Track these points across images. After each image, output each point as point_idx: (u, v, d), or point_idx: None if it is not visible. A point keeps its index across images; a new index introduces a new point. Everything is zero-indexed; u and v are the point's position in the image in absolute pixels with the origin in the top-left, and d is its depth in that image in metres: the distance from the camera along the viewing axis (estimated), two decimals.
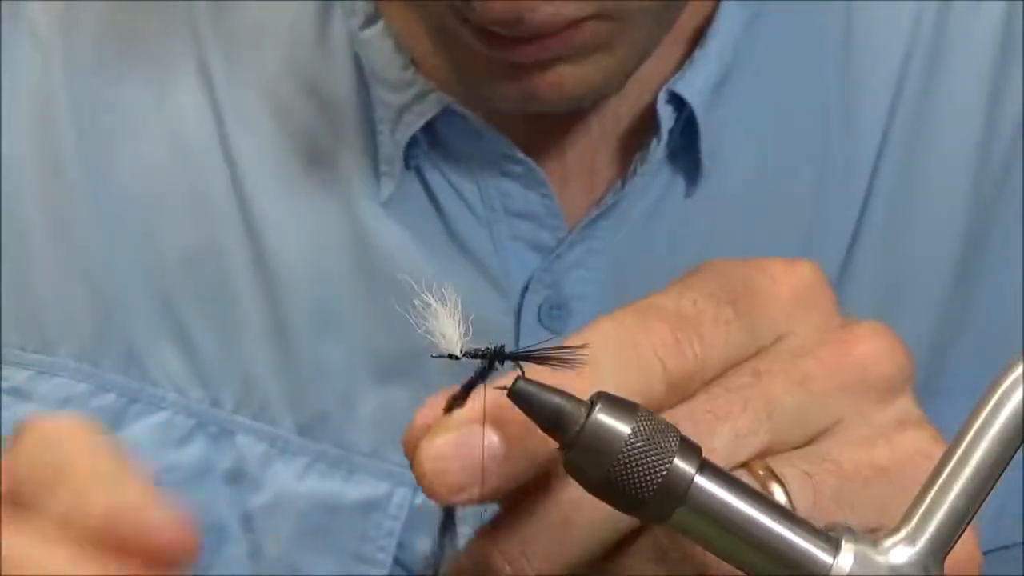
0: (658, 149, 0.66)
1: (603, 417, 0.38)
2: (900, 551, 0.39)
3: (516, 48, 0.57)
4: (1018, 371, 0.37)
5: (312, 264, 0.68)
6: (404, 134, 0.66)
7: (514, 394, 0.38)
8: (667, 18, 0.62)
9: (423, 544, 0.68)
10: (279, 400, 0.68)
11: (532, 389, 0.38)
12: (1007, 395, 0.37)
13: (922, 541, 0.38)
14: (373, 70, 0.67)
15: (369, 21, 0.67)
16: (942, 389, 0.66)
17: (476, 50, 0.59)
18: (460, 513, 0.43)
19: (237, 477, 0.68)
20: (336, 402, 0.68)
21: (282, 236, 0.68)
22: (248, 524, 0.68)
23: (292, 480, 0.67)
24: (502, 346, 0.38)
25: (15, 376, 0.68)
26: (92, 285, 0.68)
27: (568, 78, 0.60)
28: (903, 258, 0.70)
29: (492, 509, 0.41)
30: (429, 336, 0.37)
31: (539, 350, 0.39)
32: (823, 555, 0.38)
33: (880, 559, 0.39)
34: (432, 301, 0.36)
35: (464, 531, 0.42)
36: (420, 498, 0.66)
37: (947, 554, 0.39)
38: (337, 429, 0.68)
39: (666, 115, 0.66)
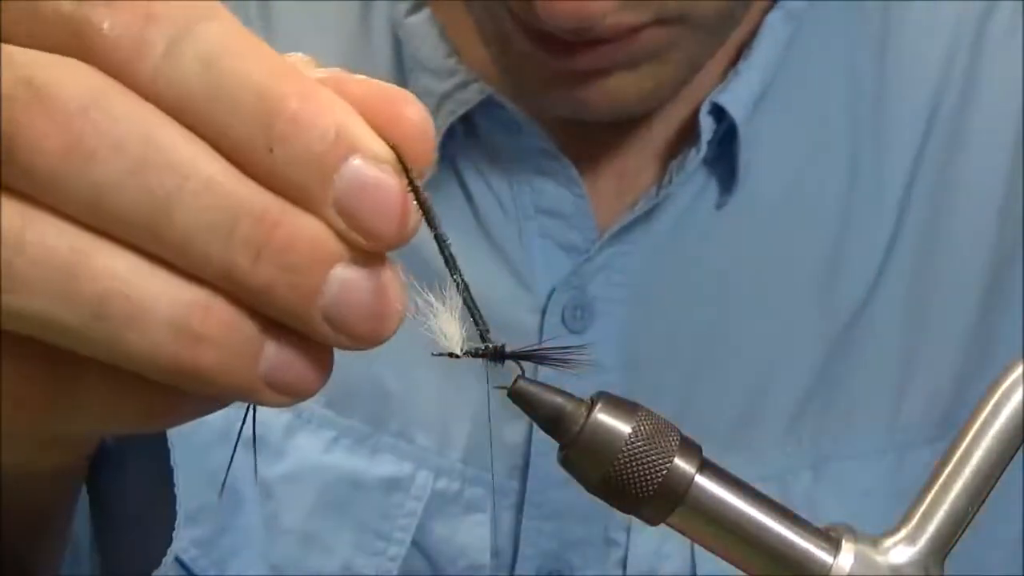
0: (696, 159, 0.66)
1: (603, 417, 0.38)
2: (900, 551, 0.39)
3: (574, 55, 0.57)
4: (1018, 371, 0.37)
5: None
6: (444, 121, 0.65)
7: (514, 394, 0.38)
8: (722, 29, 0.62)
9: (441, 528, 0.68)
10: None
11: (532, 389, 0.38)
12: (1007, 395, 0.37)
13: (922, 541, 0.39)
14: (416, 57, 0.66)
15: (414, 8, 0.66)
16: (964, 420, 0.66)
17: (530, 56, 0.59)
18: None
19: (258, 445, 0.68)
20: (365, 379, 0.68)
21: None
22: (266, 492, 0.68)
23: (317, 453, 0.67)
24: (503, 345, 0.38)
25: None
26: None
27: (621, 87, 0.60)
28: (932, 283, 0.70)
29: None
30: (430, 334, 0.37)
31: (540, 350, 0.39)
32: (823, 555, 0.38)
33: (880, 559, 0.39)
34: (433, 299, 0.36)
35: None
36: (441, 482, 0.66)
37: (947, 554, 0.39)
38: (365, 406, 0.68)
39: (707, 126, 0.66)
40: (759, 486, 0.68)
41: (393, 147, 0.31)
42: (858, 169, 0.70)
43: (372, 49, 0.69)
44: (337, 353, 0.69)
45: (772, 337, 0.70)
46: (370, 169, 0.30)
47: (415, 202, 0.32)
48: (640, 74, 0.59)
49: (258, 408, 0.68)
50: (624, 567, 0.69)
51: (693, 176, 0.67)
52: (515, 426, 0.67)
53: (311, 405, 0.67)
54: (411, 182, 0.31)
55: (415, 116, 0.31)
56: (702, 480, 0.38)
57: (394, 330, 0.32)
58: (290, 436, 0.68)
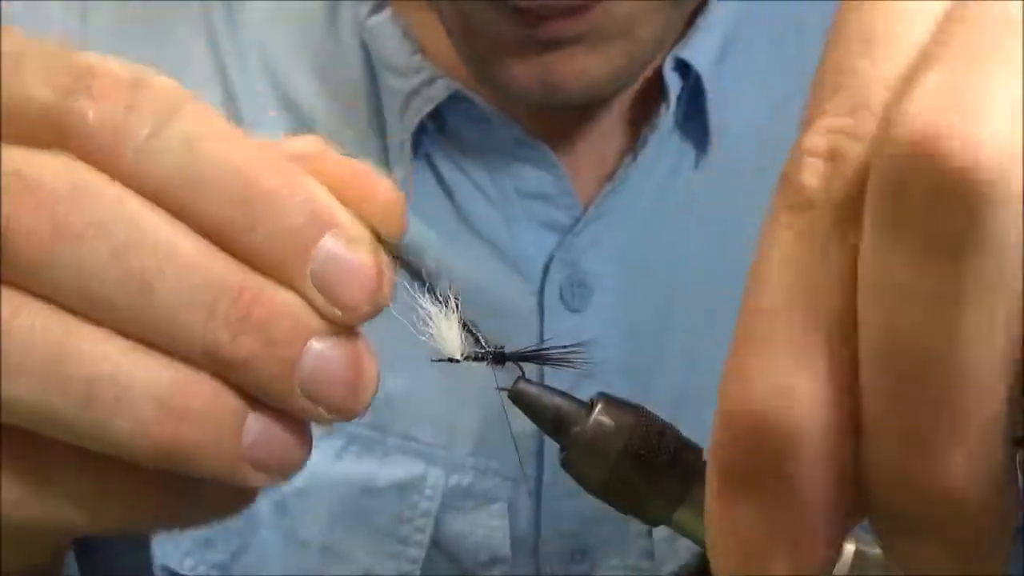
0: (667, 116, 0.66)
1: (603, 418, 0.38)
2: None
3: (543, 24, 0.57)
4: None
5: None
6: (412, 119, 0.66)
7: (514, 395, 0.38)
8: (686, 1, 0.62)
9: (459, 524, 0.68)
10: None
11: (532, 390, 0.38)
12: None
13: None
14: (381, 57, 0.67)
15: (376, 8, 0.67)
16: None
17: (496, 32, 0.58)
18: None
19: None
20: None
21: None
22: (281, 508, 0.68)
23: (327, 463, 0.68)
24: (503, 347, 0.39)
25: None
26: None
27: (590, 67, 0.60)
28: None
29: None
30: (429, 340, 0.37)
31: (540, 350, 0.39)
32: None
33: (880, 554, 0.39)
34: (431, 306, 0.36)
35: None
36: (453, 478, 0.67)
37: None
38: (369, 411, 0.68)
39: (673, 82, 0.66)
40: None
41: (366, 221, 0.32)
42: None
43: (341, 50, 0.69)
44: None
45: None
46: (345, 244, 0.31)
47: (400, 267, 0.33)
48: (609, 54, 0.59)
49: None
50: (650, 535, 0.69)
51: (668, 141, 0.68)
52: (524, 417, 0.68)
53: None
54: (389, 252, 0.32)
55: (387, 192, 0.33)
56: (703, 481, 0.38)
57: (369, 400, 0.33)
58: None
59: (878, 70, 0.26)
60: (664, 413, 0.67)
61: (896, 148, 0.23)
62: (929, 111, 0.23)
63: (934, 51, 0.25)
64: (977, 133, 0.23)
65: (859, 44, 0.26)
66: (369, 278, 0.31)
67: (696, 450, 0.38)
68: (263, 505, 0.68)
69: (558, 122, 0.68)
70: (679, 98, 0.67)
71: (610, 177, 0.68)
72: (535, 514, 0.69)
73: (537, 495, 0.69)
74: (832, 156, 0.26)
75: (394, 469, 0.68)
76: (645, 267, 0.69)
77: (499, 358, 0.39)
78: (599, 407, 0.38)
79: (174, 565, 0.67)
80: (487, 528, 0.68)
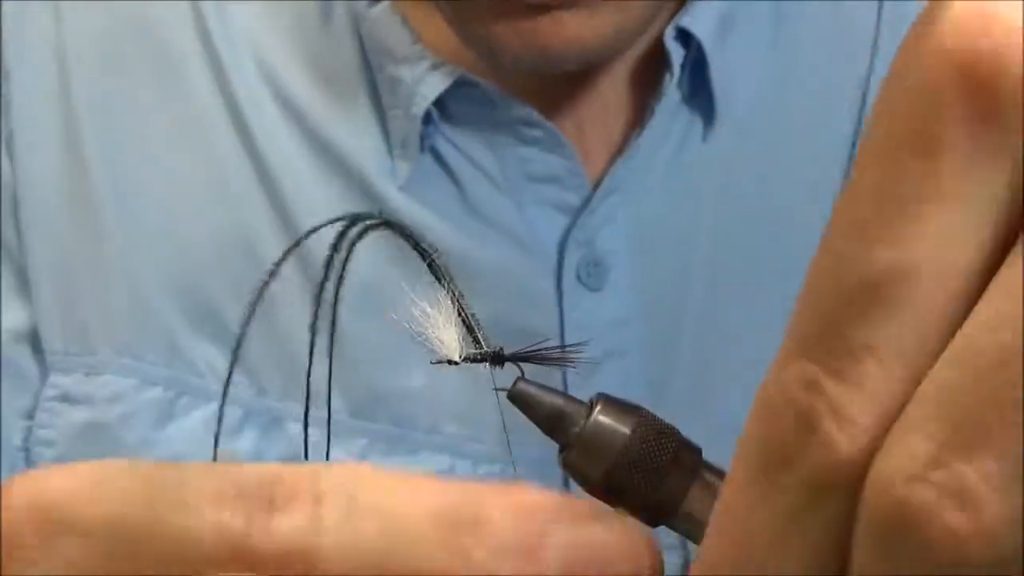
0: (671, 85, 0.66)
1: (603, 418, 0.38)
2: None
3: None
4: None
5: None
6: (420, 107, 0.65)
7: (513, 396, 0.38)
8: None
9: None
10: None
11: (532, 390, 0.38)
12: None
13: None
14: (382, 47, 0.67)
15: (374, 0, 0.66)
16: None
17: (490, 6, 0.58)
18: None
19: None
20: (387, 380, 0.68)
21: (311, 218, 0.68)
22: None
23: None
24: (501, 348, 0.38)
25: (62, 382, 0.69)
26: (127, 281, 0.68)
27: (580, 31, 0.59)
28: None
29: None
30: (427, 343, 0.37)
31: (540, 350, 0.39)
32: None
33: None
34: (428, 307, 0.36)
35: None
36: (482, 469, 0.67)
37: None
38: (391, 407, 0.68)
39: (676, 51, 0.66)
40: None
41: None
42: (828, 89, 0.70)
43: (336, 44, 0.68)
44: (356, 360, 0.69)
45: (780, 257, 0.70)
46: None
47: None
48: (599, 17, 0.59)
49: (287, 432, 0.69)
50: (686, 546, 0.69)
51: (676, 115, 0.67)
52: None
53: (337, 416, 0.68)
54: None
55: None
56: (702, 482, 0.38)
57: None
58: (322, 452, 0.68)
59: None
60: (687, 385, 0.67)
61: None
62: None
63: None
64: None
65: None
66: None
67: (696, 450, 0.38)
68: None
69: (561, 104, 0.68)
70: (683, 67, 0.66)
71: (619, 152, 0.68)
72: None
73: (566, 483, 0.68)
74: None
75: (421, 465, 0.68)
76: (659, 242, 0.69)
77: (498, 359, 0.38)
78: (599, 407, 0.38)
79: None
80: None
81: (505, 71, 0.64)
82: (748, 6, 0.69)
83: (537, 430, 0.69)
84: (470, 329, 0.38)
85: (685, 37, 0.66)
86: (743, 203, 0.71)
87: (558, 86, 0.67)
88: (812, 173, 0.69)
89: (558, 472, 0.70)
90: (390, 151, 0.67)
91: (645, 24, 0.62)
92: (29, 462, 0.70)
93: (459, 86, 0.66)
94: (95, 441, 0.67)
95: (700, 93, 0.68)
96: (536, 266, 0.68)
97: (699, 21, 0.66)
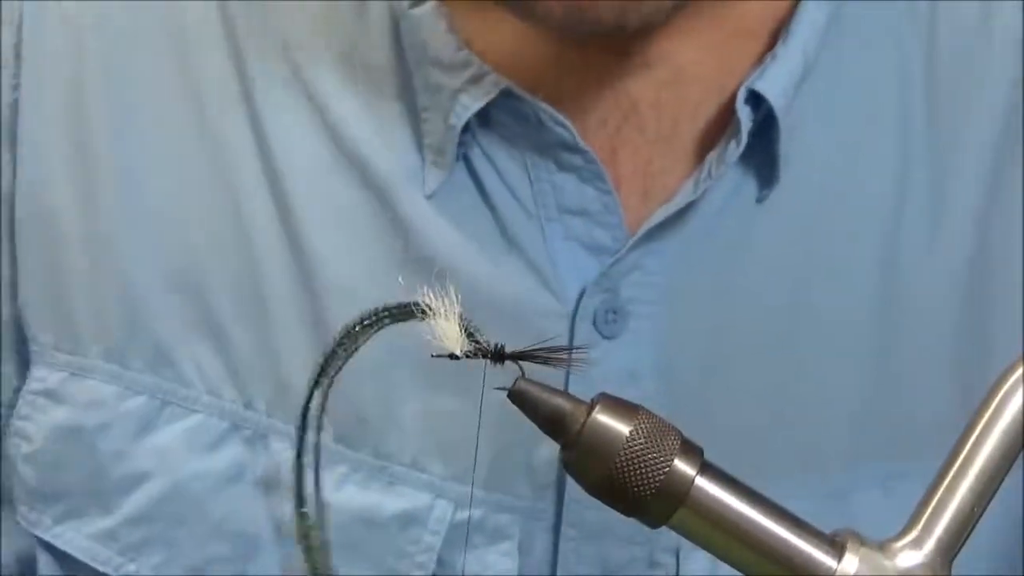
0: (736, 151, 0.63)
1: (603, 417, 0.37)
2: (907, 555, 0.38)
3: None
4: (1019, 372, 0.36)
5: (351, 260, 0.65)
6: (460, 118, 0.63)
7: (514, 395, 0.38)
8: None
9: (467, 561, 0.66)
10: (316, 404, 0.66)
11: (532, 390, 0.38)
12: (1009, 395, 0.36)
13: (929, 544, 0.38)
14: (425, 51, 0.63)
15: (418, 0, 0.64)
16: None
17: None
18: None
19: (271, 485, 0.65)
20: (375, 409, 0.65)
21: (319, 229, 0.65)
22: (282, 534, 0.66)
23: (328, 490, 0.64)
24: (502, 346, 0.38)
25: (49, 378, 0.67)
26: (122, 282, 0.66)
27: None
28: (989, 286, 0.68)
29: None
30: (429, 336, 0.37)
31: (540, 350, 0.39)
32: (827, 559, 0.37)
33: (887, 563, 0.38)
34: (431, 301, 0.36)
35: None
36: (462, 513, 0.64)
37: (955, 556, 0.38)
38: (376, 437, 0.65)
39: (745, 115, 0.62)
40: (824, 502, 0.62)
41: None
42: (909, 169, 0.68)
43: (369, 41, 0.66)
44: (345, 382, 0.66)
45: (821, 341, 0.68)
46: None
47: None
48: None
49: (270, 448, 0.67)
50: None
51: (730, 171, 0.65)
52: (544, 444, 0.63)
53: (323, 442, 0.66)
54: None
55: None
56: (703, 482, 0.37)
57: None
58: (309, 478, 0.66)
59: None
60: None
61: None
62: None
63: None
64: None
65: None
66: None
67: (697, 451, 0.38)
68: (265, 528, 0.66)
69: (603, 136, 0.65)
70: (749, 131, 0.64)
71: (660, 204, 0.65)
72: (552, 555, 0.66)
73: (555, 532, 0.66)
74: None
75: (399, 500, 0.65)
76: (690, 301, 0.66)
77: (497, 356, 0.38)
78: (599, 407, 0.38)
79: None
80: (496, 567, 0.65)
81: (536, 26, 0.61)
82: (828, 61, 0.66)
83: (528, 477, 0.67)
84: (470, 328, 0.38)
85: (755, 99, 0.64)
86: (795, 281, 0.67)
87: (601, 122, 0.65)
88: (869, 258, 0.67)
89: (542, 525, 0.68)
90: (421, 156, 0.66)
91: None
92: (4, 448, 0.68)
93: (504, 96, 0.62)
94: (70, 444, 0.66)
95: (759, 153, 0.65)
96: (553, 303, 0.64)
97: (775, 85, 0.63)
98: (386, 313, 0.41)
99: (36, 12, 0.69)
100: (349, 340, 0.40)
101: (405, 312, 0.39)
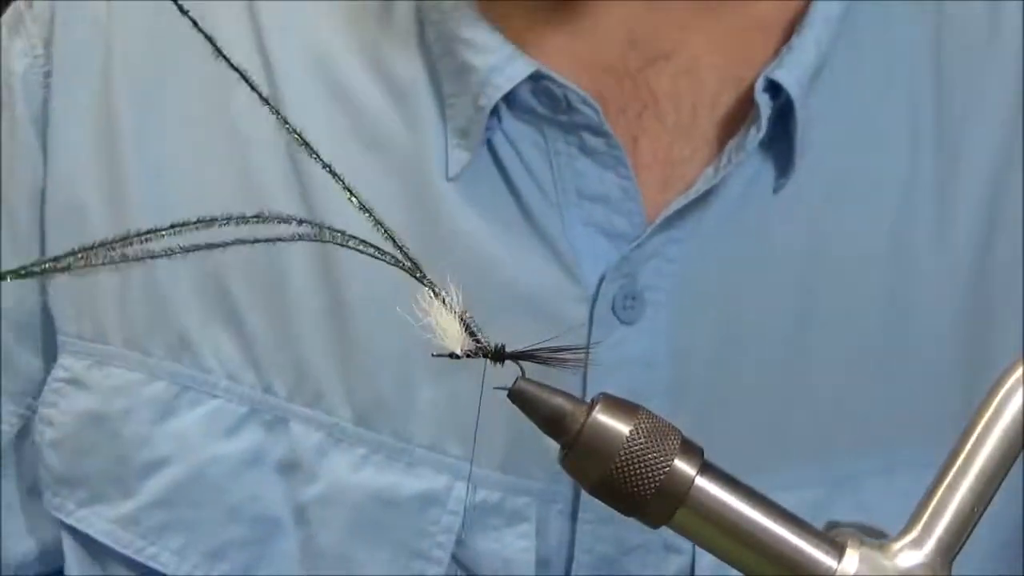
0: (756, 138, 0.64)
1: (603, 417, 0.37)
2: (908, 555, 0.38)
3: None
4: (1019, 372, 0.36)
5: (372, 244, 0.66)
6: (491, 98, 0.63)
7: (514, 394, 0.38)
8: None
9: (483, 543, 0.66)
10: (335, 388, 0.66)
11: (532, 389, 0.38)
12: (1009, 395, 0.36)
13: (930, 544, 0.38)
14: (455, 33, 0.65)
15: None
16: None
17: None
18: None
19: (291, 467, 0.66)
20: (395, 391, 0.66)
21: (339, 215, 0.66)
22: (301, 516, 0.67)
23: (348, 471, 0.65)
24: (502, 345, 0.38)
25: (74, 366, 0.68)
26: (146, 273, 0.67)
27: None
28: (996, 280, 0.69)
29: None
30: (429, 334, 0.37)
31: (540, 350, 0.39)
32: (827, 559, 0.37)
33: (887, 563, 0.38)
34: (433, 298, 0.36)
35: None
36: (481, 494, 0.65)
37: (955, 556, 0.38)
38: (395, 419, 0.66)
39: (765, 104, 0.63)
40: (829, 491, 0.62)
41: None
42: (918, 165, 0.69)
43: (394, 33, 0.67)
44: (365, 365, 0.67)
45: (830, 331, 0.68)
46: None
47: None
48: None
49: (290, 433, 0.68)
50: (692, 573, 0.67)
51: (751, 157, 0.66)
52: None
53: (340, 421, 0.66)
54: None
55: None
56: (703, 482, 0.37)
57: None
58: (322, 456, 0.66)
59: None
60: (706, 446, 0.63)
61: None
62: None
63: None
64: None
65: None
66: None
67: (697, 450, 0.38)
68: (284, 511, 0.66)
69: (624, 124, 0.66)
70: (768, 119, 0.65)
71: (679, 192, 0.65)
72: (569, 536, 0.67)
73: (572, 517, 0.67)
74: None
75: (418, 481, 0.66)
76: (705, 288, 0.66)
77: (498, 356, 0.38)
78: (599, 407, 0.38)
79: None
80: (514, 548, 0.66)
81: None
82: (846, 52, 0.67)
83: (544, 460, 0.68)
84: (471, 327, 0.38)
85: (773, 88, 0.65)
86: (810, 273, 0.68)
87: (621, 110, 0.65)
88: (881, 246, 0.68)
89: (558, 507, 0.69)
90: (444, 140, 0.65)
91: None
92: (29, 433, 0.69)
93: (532, 79, 0.64)
94: (94, 430, 0.67)
95: (778, 142, 0.66)
96: (572, 288, 0.65)
97: (792, 74, 0.64)
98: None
99: (66, 9, 0.70)
100: None
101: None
